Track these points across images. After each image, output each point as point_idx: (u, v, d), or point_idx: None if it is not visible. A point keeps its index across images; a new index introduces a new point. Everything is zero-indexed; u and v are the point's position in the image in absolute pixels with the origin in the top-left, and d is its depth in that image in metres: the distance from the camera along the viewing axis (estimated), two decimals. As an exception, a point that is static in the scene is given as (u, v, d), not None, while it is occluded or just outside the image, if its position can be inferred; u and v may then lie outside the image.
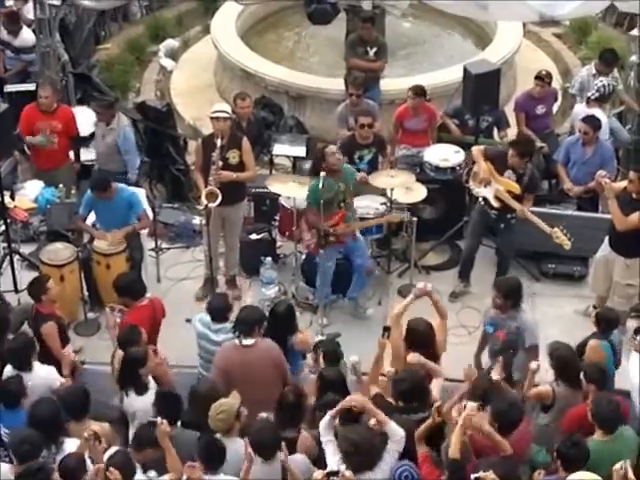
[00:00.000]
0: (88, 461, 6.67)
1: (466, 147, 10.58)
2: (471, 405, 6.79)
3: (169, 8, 15.46)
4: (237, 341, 7.83)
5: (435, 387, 7.41)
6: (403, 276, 10.36)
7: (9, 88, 11.92)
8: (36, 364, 7.84)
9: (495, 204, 9.56)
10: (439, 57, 13.60)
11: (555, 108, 12.04)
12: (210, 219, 9.65)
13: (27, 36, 12.78)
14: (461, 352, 8.79)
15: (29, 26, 12.84)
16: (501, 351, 7.96)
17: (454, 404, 7.09)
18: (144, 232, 10.13)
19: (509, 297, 8.25)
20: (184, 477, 6.47)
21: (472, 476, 6.27)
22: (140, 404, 7.51)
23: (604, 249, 9.39)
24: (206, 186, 9.49)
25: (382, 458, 6.61)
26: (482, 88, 10.36)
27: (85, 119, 11.39)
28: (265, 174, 10.97)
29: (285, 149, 11.35)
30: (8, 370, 7.81)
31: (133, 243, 9.81)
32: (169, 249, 10.83)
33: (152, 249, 10.51)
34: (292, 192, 9.87)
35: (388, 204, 10.13)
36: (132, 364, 7.62)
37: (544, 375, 7.79)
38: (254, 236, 10.43)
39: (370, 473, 6.54)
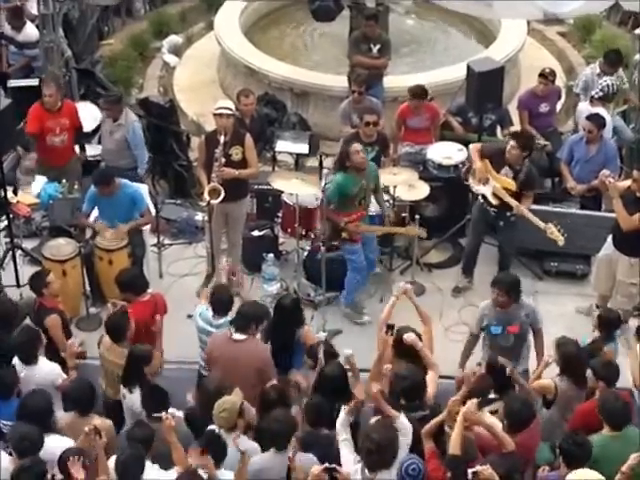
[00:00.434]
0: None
1: (469, 145, 10.57)
2: (472, 401, 6.80)
3: (172, 4, 15.46)
4: (229, 332, 7.83)
5: (431, 380, 7.39)
6: (405, 273, 10.36)
7: (12, 83, 11.89)
8: (42, 359, 7.85)
9: (493, 201, 9.58)
10: (442, 55, 13.59)
11: (559, 106, 12.03)
12: (213, 215, 9.65)
13: (30, 31, 12.78)
14: (462, 349, 8.77)
15: (33, 21, 12.83)
16: (515, 347, 8.11)
17: (456, 402, 7.09)
18: (146, 228, 10.14)
19: (511, 292, 8.26)
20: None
21: (469, 471, 6.28)
22: None
23: (607, 248, 9.38)
24: (209, 182, 9.49)
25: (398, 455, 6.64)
26: (486, 86, 10.35)
27: (88, 114, 11.39)
28: (268, 171, 10.96)
29: (288, 146, 11.33)
30: (16, 363, 7.82)
31: (135, 239, 9.81)
32: (171, 245, 10.83)
33: (154, 245, 10.51)
34: (295, 189, 9.86)
35: (391, 202, 10.13)
36: (137, 362, 7.60)
37: (548, 370, 7.81)
38: (256, 233, 10.42)
39: (386, 472, 6.53)
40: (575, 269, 10.33)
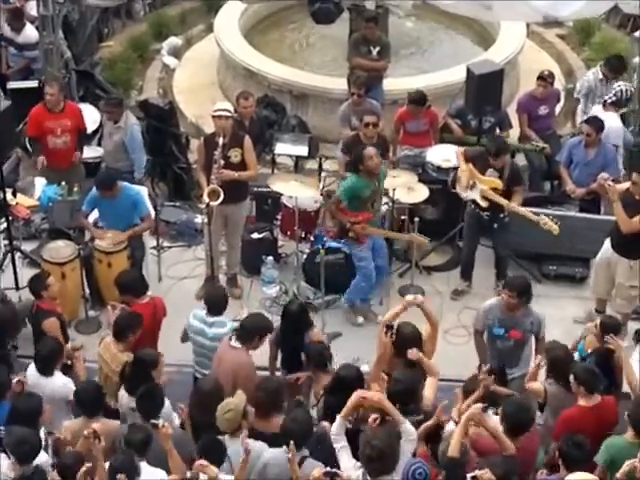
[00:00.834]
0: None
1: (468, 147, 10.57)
2: (477, 405, 6.82)
3: (172, 6, 15.43)
4: (230, 338, 7.89)
5: (430, 386, 7.39)
6: (404, 276, 10.36)
7: (12, 85, 11.91)
8: (57, 372, 7.83)
9: (483, 204, 9.59)
10: (442, 57, 13.57)
11: (558, 109, 12.04)
12: (212, 218, 9.64)
13: (30, 33, 12.77)
14: (461, 352, 8.79)
15: (32, 23, 12.82)
16: (512, 351, 8.08)
17: (461, 408, 7.11)
18: (146, 230, 10.13)
19: (523, 294, 8.24)
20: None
21: (468, 475, 6.28)
22: None
23: (605, 251, 9.38)
24: (208, 185, 9.49)
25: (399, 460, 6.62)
26: (485, 89, 10.36)
27: (88, 116, 11.37)
28: (267, 173, 10.96)
29: (287, 148, 11.33)
30: (32, 370, 7.83)
31: (134, 241, 9.80)
32: (170, 247, 10.83)
33: (153, 247, 10.50)
34: (294, 191, 9.87)
35: (390, 204, 10.13)
36: (144, 366, 7.55)
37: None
38: (256, 235, 10.42)
39: (387, 477, 6.52)
40: (574, 272, 10.33)
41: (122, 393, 7.64)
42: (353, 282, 9.78)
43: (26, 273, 9.72)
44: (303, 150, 11.31)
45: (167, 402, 7.38)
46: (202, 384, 7.52)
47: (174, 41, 14.48)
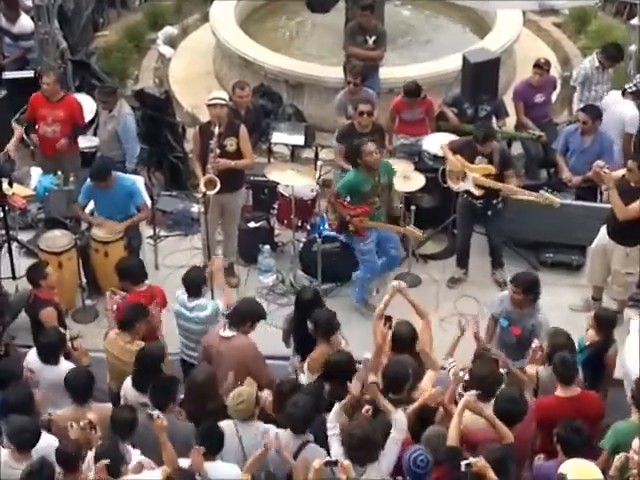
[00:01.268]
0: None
1: (465, 136, 10.56)
2: (471, 392, 6.84)
3: (168, -5, 15.42)
4: (220, 329, 7.87)
5: (429, 379, 7.41)
6: (401, 264, 10.35)
7: (7, 75, 11.90)
8: (63, 361, 7.84)
9: (478, 193, 9.58)
10: (438, 45, 13.54)
11: (554, 97, 12.03)
12: (208, 207, 9.65)
13: (25, 23, 12.74)
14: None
15: (27, 13, 12.79)
16: (515, 348, 8.12)
17: (451, 393, 7.13)
18: (142, 219, 10.13)
19: (529, 292, 8.23)
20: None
21: (462, 463, 6.31)
22: None
23: (601, 239, 9.39)
24: (204, 174, 9.49)
25: (386, 448, 6.65)
26: (481, 77, 10.37)
27: (84, 106, 11.35)
28: (264, 162, 10.96)
29: (284, 137, 11.34)
30: (33, 357, 7.85)
31: (131, 231, 9.81)
32: (167, 237, 10.83)
33: (150, 237, 10.51)
34: (290, 180, 9.87)
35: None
36: (152, 360, 7.55)
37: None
38: (252, 224, 10.43)
39: (373, 465, 6.58)
40: (571, 260, 10.34)
41: (127, 386, 7.62)
42: (358, 278, 9.75)
43: (23, 263, 9.70)
44: (299, 139, 11.31)
45: None
46: (195, 375, 7.51)
47: (170, 30, 14.45)
